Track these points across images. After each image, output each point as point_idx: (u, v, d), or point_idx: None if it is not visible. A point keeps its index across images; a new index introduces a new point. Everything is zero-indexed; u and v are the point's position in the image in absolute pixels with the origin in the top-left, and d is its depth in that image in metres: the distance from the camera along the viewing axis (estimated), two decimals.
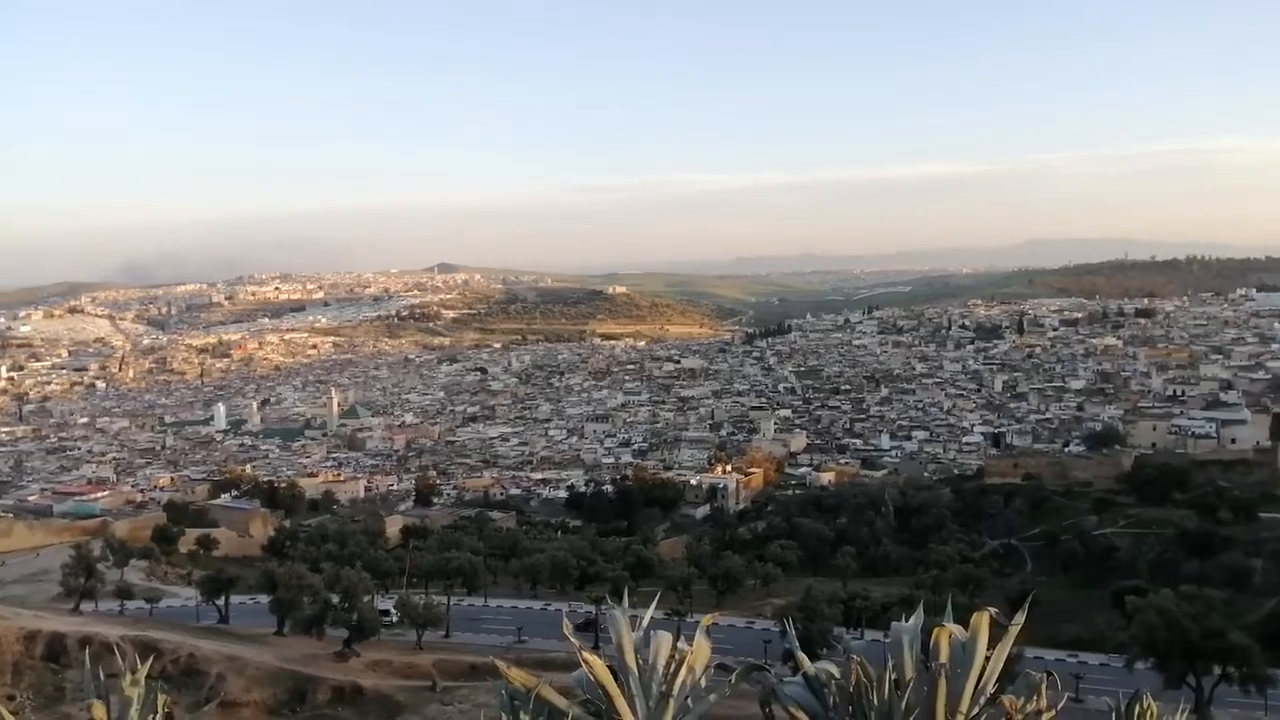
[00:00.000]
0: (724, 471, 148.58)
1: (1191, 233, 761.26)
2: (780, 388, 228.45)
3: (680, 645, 4.01)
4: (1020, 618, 4.79)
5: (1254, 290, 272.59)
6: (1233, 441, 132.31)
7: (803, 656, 4.42)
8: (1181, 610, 44.06)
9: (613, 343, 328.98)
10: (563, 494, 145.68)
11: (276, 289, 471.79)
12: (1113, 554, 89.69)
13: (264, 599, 51.55)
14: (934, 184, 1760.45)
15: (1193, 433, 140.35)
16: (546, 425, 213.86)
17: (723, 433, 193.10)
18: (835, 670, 4.27)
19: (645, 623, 4.00)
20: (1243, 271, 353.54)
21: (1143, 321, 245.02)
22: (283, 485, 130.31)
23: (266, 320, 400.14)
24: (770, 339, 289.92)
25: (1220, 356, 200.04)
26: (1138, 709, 7.45)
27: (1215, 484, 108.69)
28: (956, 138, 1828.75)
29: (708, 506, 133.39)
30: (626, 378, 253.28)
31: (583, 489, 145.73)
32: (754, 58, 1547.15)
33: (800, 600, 57.15)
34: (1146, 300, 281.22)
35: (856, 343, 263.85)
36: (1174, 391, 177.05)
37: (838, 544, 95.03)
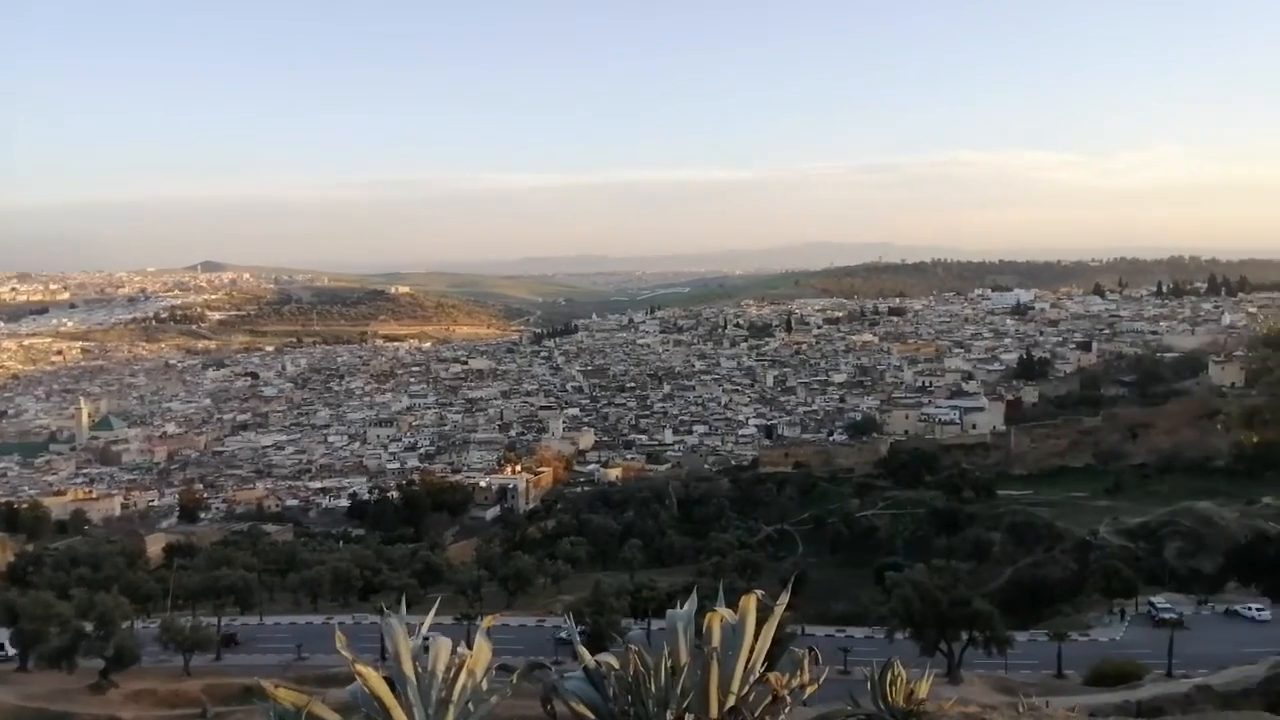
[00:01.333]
0: (514, 472, 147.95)
1: (937, 238, 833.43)
2: (568, 387, 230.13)
3: (460, 650, 4.00)
4: (785, 599, 5.12)
5: (989, 290, 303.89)
6: (974, 427, 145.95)
7: (583, 650, 4.52)
8: (933, 583, 48.31)
9: (397, 344, 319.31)
10: (344, 503, 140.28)
11: (14, 290, 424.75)
12: (874, 534, 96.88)
13: (3, 632, 46.68)
14: (710, 189, 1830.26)
15: (939, 420, 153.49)
16: (326, 432, 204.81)
17: (512, 433, 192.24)
18: (615, 661, 4.40)
19: (424, 629, 3.96)
20: (980, 274, 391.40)
21: (895, 319, 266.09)
22: (23, 506, 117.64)
23: (1, 324, 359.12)
24: (558, 339, 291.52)
25: (962, 350, 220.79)
26: (889, 676, 8.13)
27: (960, 466, 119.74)
28: (728, 145, 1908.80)
29: (498, 508, 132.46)
30: (411, 380, 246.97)
31: (366, 496, 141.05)
32: (540, 57, 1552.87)
33: (589, 595, 58.04)
34: (898, 300, 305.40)
35: (640, 342, 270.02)
36: (923, 383, 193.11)
37: (625, 537, 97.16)
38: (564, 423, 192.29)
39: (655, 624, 5.13)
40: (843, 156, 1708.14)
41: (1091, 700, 34.13)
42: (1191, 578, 74.98)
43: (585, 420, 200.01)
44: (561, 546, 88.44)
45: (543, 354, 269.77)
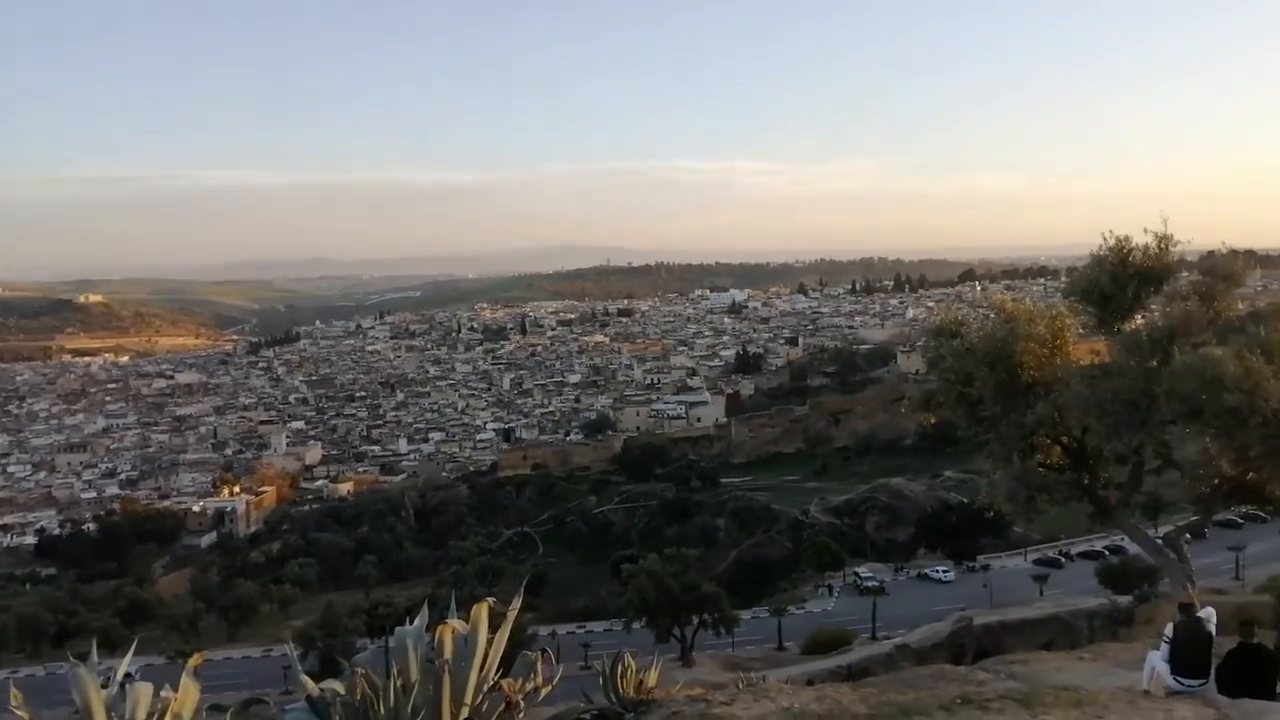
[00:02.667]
0: (232, 494, 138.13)
1: (661, 242, 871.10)
2: (291, 399, 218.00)
3: (165, 693, 3.69)
4: (518, 603, 5.17)
5: (708, 291, 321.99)
6: (698, 420, 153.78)
7: (305, 678, 4.32)
8: (665, 571, 50.45)
9: (88, 359, 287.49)
10: (30, 540, 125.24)
11: None
12: (610, 528, 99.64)
13: None
14: (437, 191, 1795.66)
15: (668, 415, 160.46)
16: (4, 461, 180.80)
17: (228, 452, 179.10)
18: (341, 687, 4.23)
19: (120, 675, 3.61)
20: (699, 276, 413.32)
21: (624, 320, 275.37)
22: None
23: None
24: (278, 348, 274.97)
25: (686, 348, 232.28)
26: (619, 669, 8.38)
27: (687, 458, 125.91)
28: (454, 147, 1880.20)
29: (215, 534, 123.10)
30: (108, 399, 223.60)
31: (57, 531, 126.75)
32: (237, 53, 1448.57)
33: (320, 618, 55.35)
34: (626, 301, 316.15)
35: (370, 348, 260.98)
36: (652, 380, 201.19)
37: (360, 554, 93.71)
38: (288, 437, 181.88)
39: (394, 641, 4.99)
40: (572, 160, 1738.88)
41: (808, 668, 37.07)
42: (889, 547, 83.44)
43: (312, 434, 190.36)
44: (289, 569, 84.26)
45: (261, 364, 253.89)
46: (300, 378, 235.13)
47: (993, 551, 75.73)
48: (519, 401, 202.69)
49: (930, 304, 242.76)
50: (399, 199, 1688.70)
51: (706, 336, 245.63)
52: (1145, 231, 12.72)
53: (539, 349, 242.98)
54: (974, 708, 8.00)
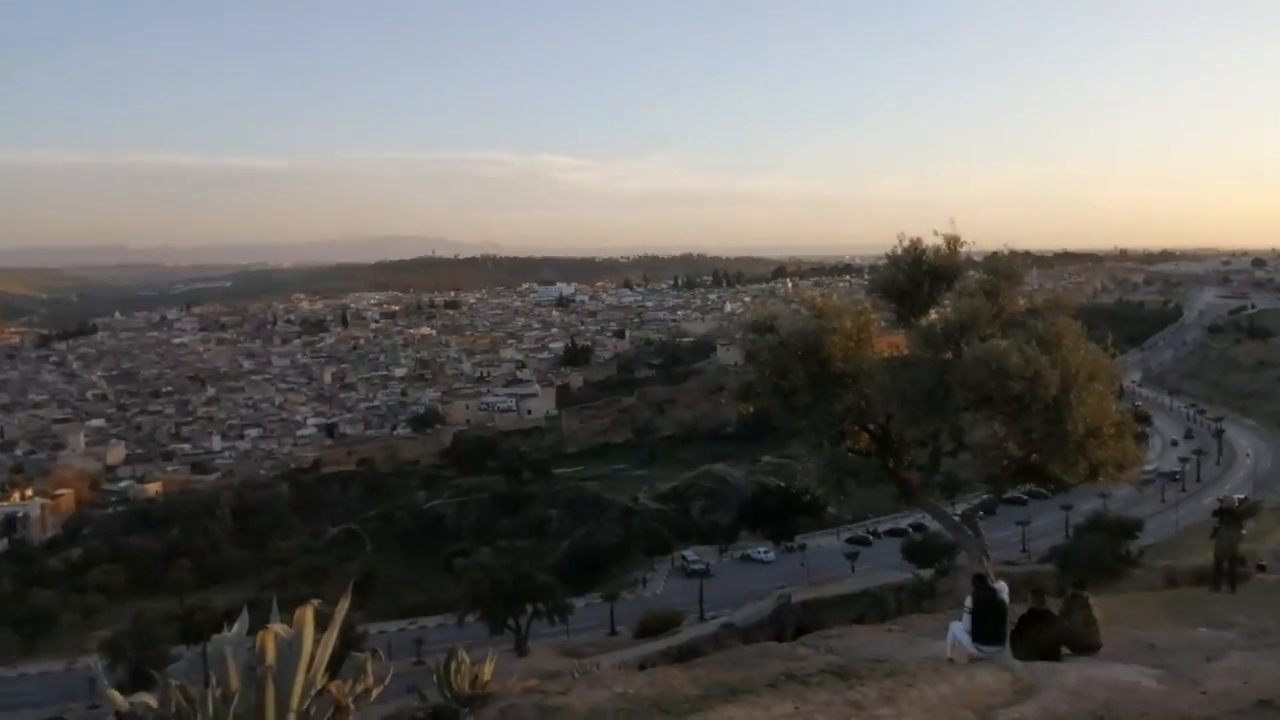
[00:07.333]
0: (24, 497, 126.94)
1: (485, 235, 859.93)
2: (89, 395, 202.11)
3: None
4: (345, 603, 5.13)
5: (536, 285, 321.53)
6: (529, 413, 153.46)
7: (112, 692, 4.18)
8: (498, 563, 50.32)
9: None
10: None
11: None
12: (441, 523, 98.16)
13: None
14: (246, 176, 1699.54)
15: (498, 408, 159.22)
16: None
17: (18, 452, 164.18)
18: (152, 700, 4.12)
19: None
20: (526, 269, 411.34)
21: (452, 312, 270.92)
22: None
23: None
24: (72, 340, 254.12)
25: (515, 341, 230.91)
26: (453, 665, 8.42)
27: (518, 450, 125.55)
28: (257, 129, 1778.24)
29: (5, 540, 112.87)
30: None
31: None
32: (38, 22, 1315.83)
33: (129, 627, 52.00)
34: (454, 293, 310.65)
35: (176, 341, 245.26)
36: (481, 373, 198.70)
37: (172, 558, 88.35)
38: (86, 436, 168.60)
39: (211, 649, 4.86)
40: (380, 148, 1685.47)
41: (641, 650, 37.89)
42: (713, 530, 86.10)
43: (114, 432, 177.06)
44: (93, 576, 78.99)
45: (53, 358, 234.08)
46: (99, 372, 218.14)
47: (809, 531, 79.40)
48: (341, 396, 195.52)
49: (746, 299, 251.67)
50: (201, 183, 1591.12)
51: (535, 329, 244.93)
52: (936, 234, 13.76)
53: (362, 341, 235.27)
54: (797, 683, 8.52)
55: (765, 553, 75.55)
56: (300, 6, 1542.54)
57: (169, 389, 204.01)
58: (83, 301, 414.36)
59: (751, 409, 15.18)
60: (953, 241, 13.65)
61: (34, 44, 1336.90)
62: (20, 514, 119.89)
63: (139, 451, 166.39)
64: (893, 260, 13.92)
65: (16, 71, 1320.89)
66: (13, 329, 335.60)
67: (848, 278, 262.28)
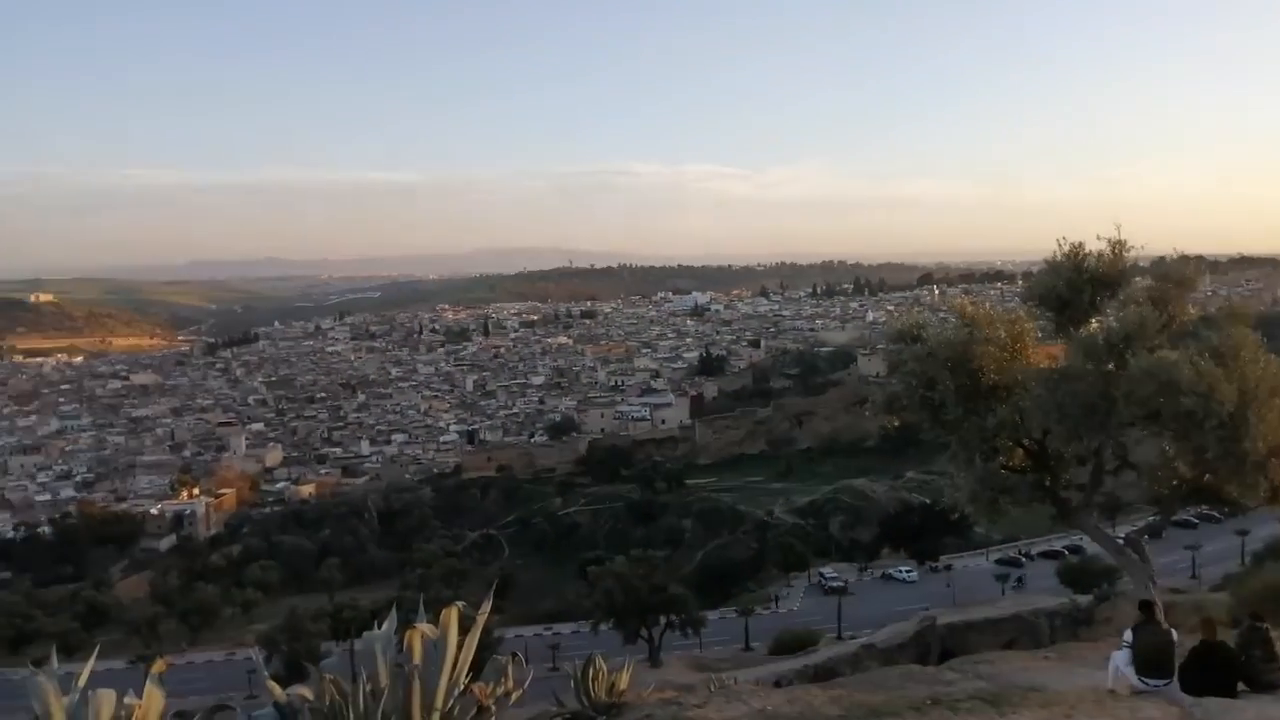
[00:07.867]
0: (191, 496, 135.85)
1: (619, 244, 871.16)
2: (250, 400, 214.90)
3: (129, 699, 3.63)
4: (487, 606, 5.14)
5: (671, 294, 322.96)
6: (663, 422, 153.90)
7: (272, 684, 4.28)
8: (632, 573, 50.40)
9: (41, 360, 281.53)
10: None
11: None
12: (576, 530, 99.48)
13: None
14: (392, 191, 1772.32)
15: (632, 417, 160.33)
16: None
17: (186, 454, 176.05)
18: (309, 692, 4.19)
19: (83, 680, 3.56)
20: (662, 278, 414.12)
21: (587, 322, 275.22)
22: None
23: None
24: (236, 348, 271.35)
25: (649, 350, 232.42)
26: (591, 672, 8.37)
27: (652, 460, 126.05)
28: (406, 147, 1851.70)
29: (174, 536, 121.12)
30: (61, 400, 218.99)
31: (11, 535, 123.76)
32: (188, 49, 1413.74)
33: (284, 622, 54.71)
34: (589, 303, 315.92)
35: (329, 349, 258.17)
36: (616, 382, 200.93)
37: (323, 557, 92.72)
38: (247, 439, 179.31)
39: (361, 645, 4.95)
40: (521, 161, 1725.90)
41: (775, 668, 37.20)
42: (853, 548, 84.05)
43: (272, 436, 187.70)
44: (251, 572, 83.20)
45: (219, 365, 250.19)
46: (259, 379, 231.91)
47: (955, 551, 76.59)
48: (482, 403, 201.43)
49: (890, 307, 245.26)
50: (351, 198, 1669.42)
51: (670, 338, 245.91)
52: (1098, 238, 12.96)
53: (502, 350, 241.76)
54: (944, 708, 8.09)
55: (908, 572, 73.19)
56: (440, 24, 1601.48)
57: (323, 395, 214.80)
58: (246, 312, 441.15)
59: (896, 422, 14.67)
60: (1117, 246, 12.85)
61: (232, 78, 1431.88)
62: (188, 512, 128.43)
63: (294, 455, 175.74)
64: (1051, 266, 13.22)
65: (209, 106, 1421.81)
66: (183, 337, 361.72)
67: (999, 285, 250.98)
